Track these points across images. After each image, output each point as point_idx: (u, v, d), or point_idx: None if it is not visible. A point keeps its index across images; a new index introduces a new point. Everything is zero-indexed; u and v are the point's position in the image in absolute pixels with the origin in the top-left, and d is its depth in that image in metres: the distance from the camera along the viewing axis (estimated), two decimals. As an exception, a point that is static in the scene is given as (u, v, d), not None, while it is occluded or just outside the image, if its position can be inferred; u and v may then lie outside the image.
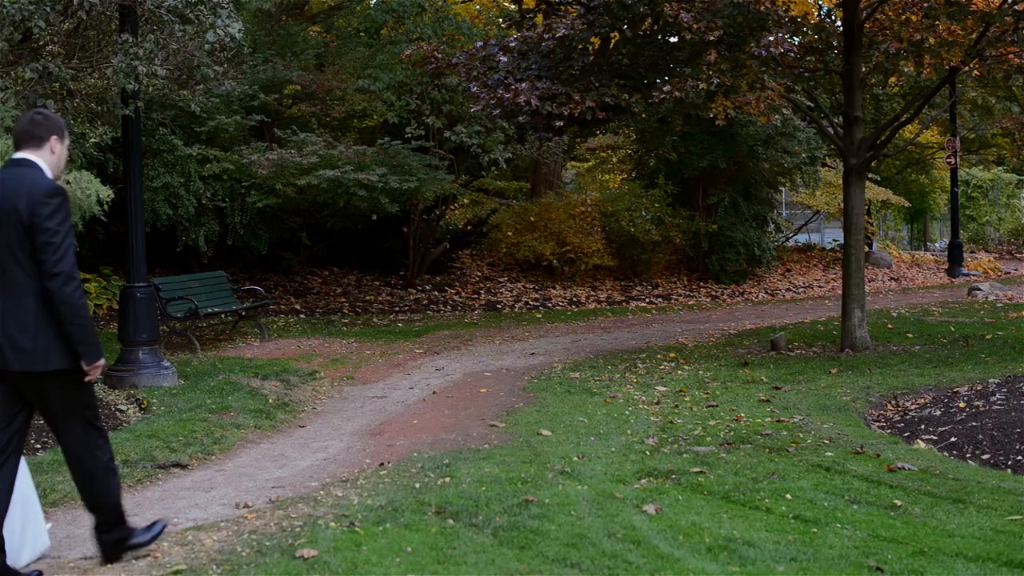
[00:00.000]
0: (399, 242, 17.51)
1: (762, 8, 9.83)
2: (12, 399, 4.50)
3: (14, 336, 4.36)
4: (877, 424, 7.87)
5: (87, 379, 4.47)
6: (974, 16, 10.48)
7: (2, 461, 4.46)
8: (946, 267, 22.56)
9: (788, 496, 5.52)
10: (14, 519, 4.52)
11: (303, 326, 13.71)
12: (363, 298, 16.35)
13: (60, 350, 4.40)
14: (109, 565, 4.67)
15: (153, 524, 4.86)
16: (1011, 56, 11.06)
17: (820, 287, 19.96)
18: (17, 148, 4.52)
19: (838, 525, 5.03)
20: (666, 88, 10.20)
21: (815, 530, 4.96)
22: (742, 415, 7.86)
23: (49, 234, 4.33)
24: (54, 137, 4.56)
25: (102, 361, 4.53)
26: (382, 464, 6.53)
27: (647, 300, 17.67)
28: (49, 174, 4.50)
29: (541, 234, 17.95)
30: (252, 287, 13.83)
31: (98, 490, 4.64)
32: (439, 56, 12.44)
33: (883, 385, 9.06)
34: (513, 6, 13.71)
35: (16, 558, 4.53)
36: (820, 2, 19.35)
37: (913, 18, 10.62)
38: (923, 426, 7.56)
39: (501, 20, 16.08)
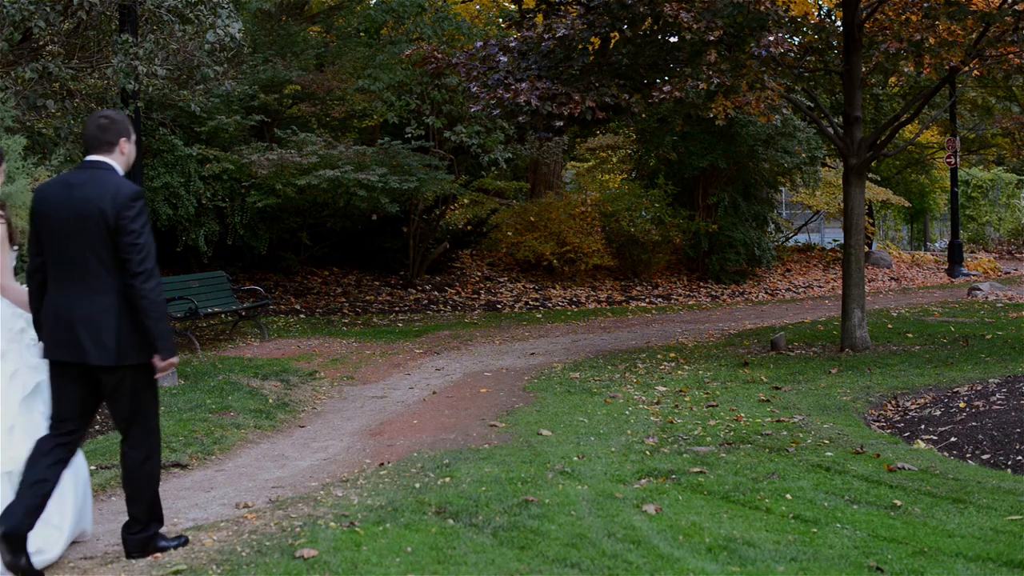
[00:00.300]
0: (399, 242, 17.51)
1: (762, 8, 9.83)
2: (89, 394, 4.69)
3: (96, 332, 4.55)
4: (877, 424, 7.87)
5: (158, 375, 4.70)
6: (974, 16, 10.48)
7: (64, 455, 4.64)
8: (946, 267, 22.57)
9: (788, 496, 5.52)
10: (66, 503, 4.79)
11: (303, 326, 13.71)
12: (363, 298, 16.35)
13: (137, 346, 4.60)
14: (119, 562, 4.67)
15: (179, 536, 4.98)
16: (1011, 56, 11.06)
17: (820, 287, 19.96)
18: (88, 152, 4.72)
19: (838, 525, 5.03)
20: (666, 88, 10.20)
21: (815, 530, 4.96)
22: (742, 415, 7.87)
23: (135, 235, 4.54)
24: (123, 139, 4.77)
25: (176, 359, 4.74)
26: (382, 464, 6.53)
27: (647, 300, 17.67)
28: (121, 173, 4.72)
29: (541, 234, 17.96)
30: (252, 287, 13.83)
31: (141, 486, 4.81)
32: (439, 56, 12.44)
33: (883, 385, 9.06)
34: (513, 6, 13.72)
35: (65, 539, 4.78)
36: (820, 2, 19.37)
37: (913, 18, 10.62)
38: (923, 426, 7.56)
39: (501, 20, 16.09)
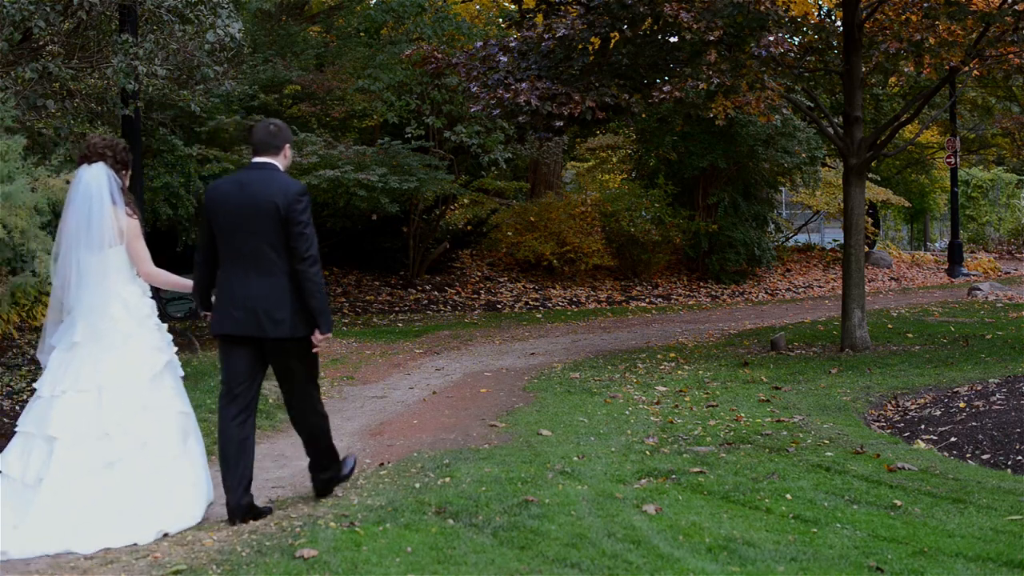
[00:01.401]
0: (399, 242, 17.51)
1: (762, 8, 9.83)
2: (257, 364, 5.41)
3: (271, 310, 5.27)
4: (877, 424, 7.87)
5: (316, 348, 5.41)
6: (974, 16, 10.48)
7: (246, 416, 5.39)
8: (946, 267, 22.57)
9: (788, 496, 5.52)
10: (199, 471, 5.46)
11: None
12: (363, 298, 16.35)
13: (303, 321, 5.32)
14: (119, 562, 4.67)
15: (346, 459, 5.83)
16: (1011, 56, 11.06)
17: (820, 287, 19.97)
18: (257, 154, 5.46)
19: (838, 525, 5.03)
20: (666, 88, 10.20)
21: (815, 530, 4.96)
22: (742, 415, 7.86)
23: (302, 226, 5.27)
24: (287, 144, 5.51)
25: (331, 333, 5.47)
26: (382, 464, 6.53)
27: (647, 300, 17.68)
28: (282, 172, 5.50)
29: (541, 234, 17.95)
30: (252, 287, 13.81)
31: (316, 439, 5.57)
32: (439, 56, 12.44)
33: (883, 385, 9.06)
34: (513, 6, 13.72)
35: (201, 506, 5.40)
36: (820, 2, 19.37)
37: (913, 18, 10.62)
38: (923, 426, 7.56)
39: (501, 20, 16.08)
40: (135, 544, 4.94)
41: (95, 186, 5.38)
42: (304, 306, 5.29)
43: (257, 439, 7.44)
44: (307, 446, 5.63)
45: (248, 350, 5.36)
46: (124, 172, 5.56)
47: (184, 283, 5.68)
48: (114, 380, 5.23)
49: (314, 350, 5.41)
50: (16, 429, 5.35)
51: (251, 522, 5.24)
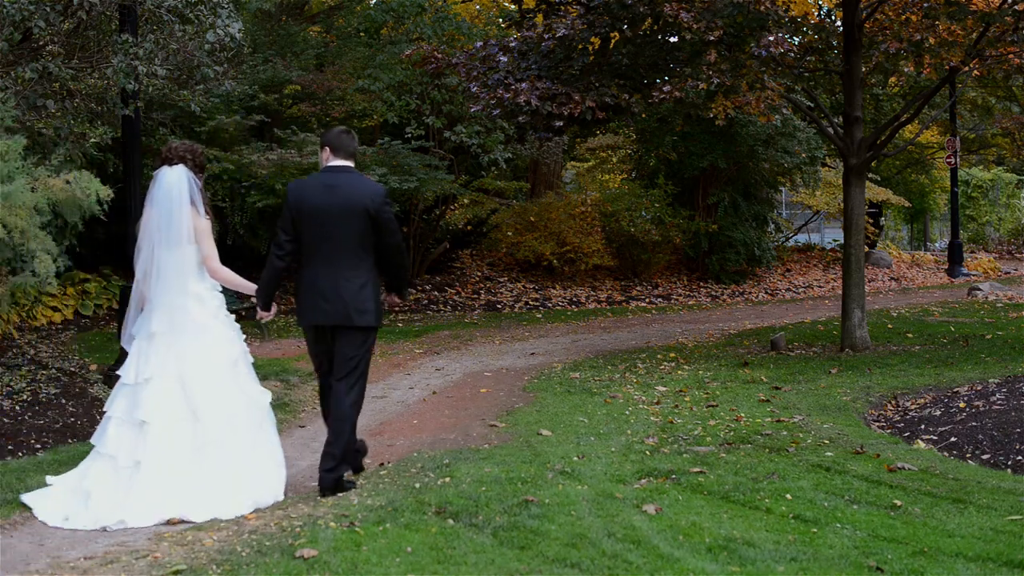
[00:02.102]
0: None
1: (762, 8, 9.83)
2: (330, 347, 5.92)
3: (357, 302, 5.79)
4: (877, 424, 7.87)
5: (396, 308, 6.29)
6: (974, 16, 10.48)
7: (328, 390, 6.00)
8: (946, 267, 22.57)
9: (788, 496, 5.52)
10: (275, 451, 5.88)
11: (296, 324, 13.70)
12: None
13: (377, 312, 5.90)
14: (119, 562, 4.68)
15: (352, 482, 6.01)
16: (1011, 56, 11.06)
17: (820, 287, 19.97)
18: (335, 156, 5.92)
19: (838, 525, 5.03)
20: (666, 88, 10.19)
21: (815, 530, 4.96)
22: (742, 415, 7.86)
23: (391, 225, 5.89)
24: (357, 149, 6.08)
25: (406, 300, 6.36)
26: (382, 464, 6.54)
27: (647, 300, 17.67)
28: None
29: (541, 234, 17.95)
30: (252, 287, 13.81)
31: (347, 431, 5.89)
32: (439, 56, 12.44)
33: (883, 385, 9.06)
34: (513, 6, 13.73)
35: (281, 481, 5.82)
36: (820, 2, 19.37)
37: (913, 18, 10.62)
38: (923, 426, 7.56)
39: (501, 20, 16.09)
40: (237, 516, 5.38)
41: (176, 187, 5.78)
42: (379, 299, 5.97)
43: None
44: (334, 421, 5.90)
45: (328, 336, 5.90)
46: (201, 175, 5.98)
47: (246, 284, 6.05)
48: (196, 367, 5.64)
49: (404, 308, 6.39)
50: (106, 413, 5.76)
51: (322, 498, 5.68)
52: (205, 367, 5.67)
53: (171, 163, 5.87)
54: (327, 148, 5.95)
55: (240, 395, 5.75)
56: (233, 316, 6.01)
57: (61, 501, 5.51)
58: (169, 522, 5.30)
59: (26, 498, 5.62)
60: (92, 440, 5.80)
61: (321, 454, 5.88)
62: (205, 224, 5.85)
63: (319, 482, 5.78)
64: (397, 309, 5.93)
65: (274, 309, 6.13)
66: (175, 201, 5.76)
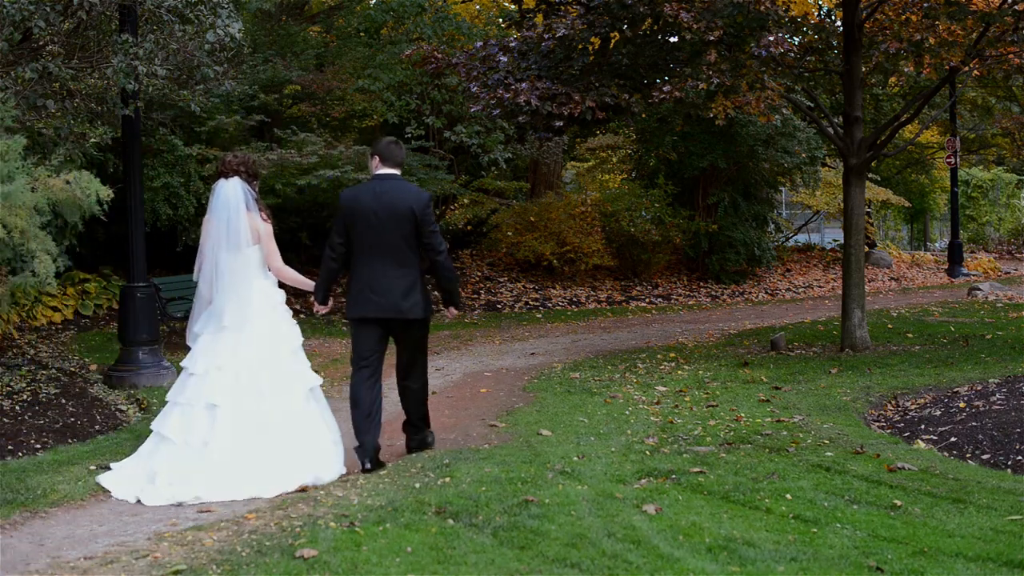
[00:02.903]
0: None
1: (762, 8, 9.82)
2: (383, 339, 6.50)
3: (407, 296, 6.37)
4: (877, 424, 7.87)
5: (450, 319, 7.19)
6: (974, 16, 10.47)
7: (375, 380, 6.49)
8: (946, 267, 22.57)
9: (788, 496, 5.52)
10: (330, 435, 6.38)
11: (303, 326, 13.58)
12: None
13: (426, 305, 6.51)
14: (118, 562, 4.68)
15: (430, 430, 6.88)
16: (1011, 56, 11.06)
17: (820, 287, 19.97)
18: (383, 165, 6.50)
19: (838, 525, 5.03)
20: (666, 88, 10.19)
21: (815, 530, 4.96)
22: (742, 415, 7.86)
23: (434, 227, 6.43)
24: (403, 160, 6.65)
25: (462, 311, 6.60)
26: (382, 464, 6.53)
27: (647, 300, 17.67)
28: None
29: (541, 234, 17.95)
30: (252, 287, 13.79)
31: (422, 405, 6.72)
32: (439, 56, 12.44)
33: (883, 385, 9.06)
34: (513, 6, 13.73)
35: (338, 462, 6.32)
36: (820, 2, 19.38)
37: (913, 18, 10.62)
38: (923, 426, 7.56)
39: (501, 20, 16.09)
40: (309, 485, 5.95)
41: (232, 197, 6.35)
42: (427, 292, 6.54)
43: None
44: (414, 409, 6.71)
45: (378, 328, 6.46)
46: (255, 183, 6.54)
47: (306, 281, 6.72)
48: (261, 356, 6.22)
49: (454, 319, 7.22)
50: (169, 400, 6.28)
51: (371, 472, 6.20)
52: (268, 356, 6.24)
53: (227, 176, 6.43)
54: (377, 157, 6.53)
55: (298, 381, 6.31)
56: (290, 312, 6.59)
57: (131, 482, 6.00)
58: (229, 503, 5.75)
59: (101, 479, 6.12)
60: (152, 425, 6.33)
61: (404, 423, 6.80)
62: (266, 227, 6.45)
63: (408, 444, 6.76)
64: (452, 319, 6.98)
65: (330, 304, 6.74)
66: (233, 210, 6.31)
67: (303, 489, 5.90)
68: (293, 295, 15.98)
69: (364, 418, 6.39)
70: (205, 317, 6.38)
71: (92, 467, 6.41)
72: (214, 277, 6.35)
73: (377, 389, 6.50)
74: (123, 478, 6.09)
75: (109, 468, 6.32)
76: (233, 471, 5.91)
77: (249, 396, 6.13)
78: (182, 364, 6.37)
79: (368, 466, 6.27)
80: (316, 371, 6.60)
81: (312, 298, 6.78)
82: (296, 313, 14.87)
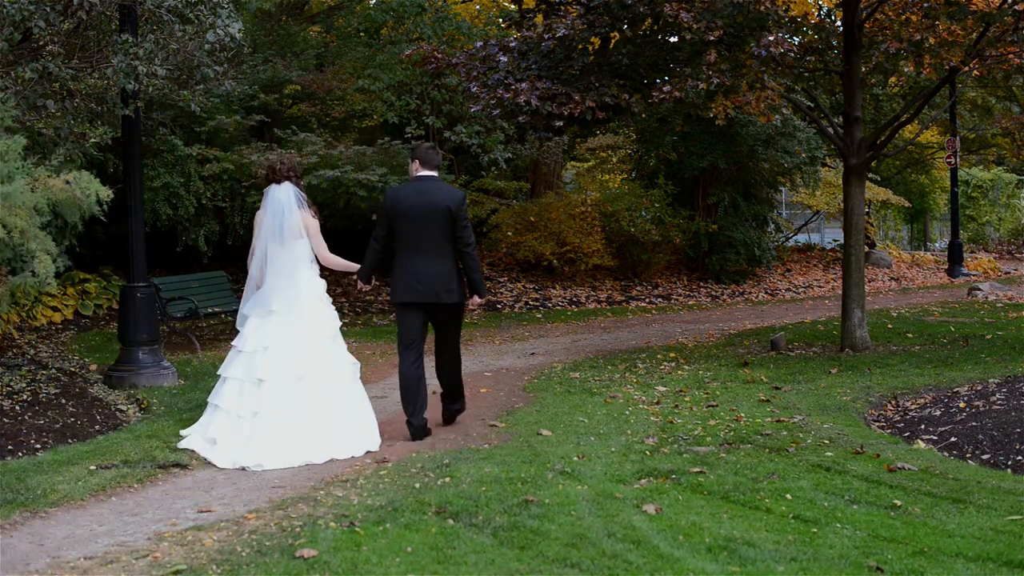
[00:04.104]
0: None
1: (762, 8, 9.82)
2: (425, 323, 7.33)
3: (445, 284, 7.17)
4: (877, 424, 7.87)
5: (473, 308, 7.74)
6: (974, 16, 10.47)
7: (419, 361, 7.26)
8: (946, 267, 22.56)
9: (788, 496, 5.53)
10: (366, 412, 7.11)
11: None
12: (363, 298, 16.34)
13: (461, 291, 7.32)
14: (118, 562, 4.68)
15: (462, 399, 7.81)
16: (1011, 56, 11.05)
17: (820, 287, 19.96)
18: (423, 167, 7.28)
19: (838, 525, 5.03)
20: (666, 88, 10.19)
21: (815, 530, 4.96)
22: (742, 415, 7.87)
23: (466, 222, 7.22)
24: (440, 163, 7.47)
25: (485, 298, 8.15)
26: (381, 463, 6.53)
27: (647, 300, 17.67)
28: None
29: (541, 234, 17.94)
30: (252, 287, 13.80)
31: (455, 378, 7.59)
32: (439, 56, 12.44)
33: (883, 385, 9.06)
34: (513, 6, 13.74)
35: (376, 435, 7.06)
36: (820, 2, 19.37)
37: (913, 18, 10.62)
38: (923, 426, 7.56)
39: (501, 20, 16.09)
40: (351, 456, 6.69)
41: (284, 198, 7.12)
42: (462, 280, 7.31)
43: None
44: (448, 382, 7.58)
45: (421, 312, 7.26)
46: (300, 183, 7.29)
47: (351, 266, 7.48)
48: (305, 338, 6.91)
49: (471, 309, 7.79)
50: (221, 375, 7.07)
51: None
52: (311, 338, 6.94)
53: (278, 181, 7.18)
54: (416, 161, 7.32)
55: (339, 360, 7.04)
56: (330, 299, 7.27)
57: (199, 446, 6.82)
58: (289, 469, 6.46)
59: (182, 444, 6.93)
60: (209, 399, 7.10)
61: (441, 395, 7.70)
62: (314, 222, 7.20)
63: (444, 416, 7.65)
64: (475, 308, 7.73)
65: (370, 285, 7.59)
66: (285, 210, 7.09)
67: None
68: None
69: (412, 394, 7.18)
70: (254, 300, 7.13)
71: (92, 467, 6.41)
72: (264, 266, 7.11)
73: (421, 369, 7.27)
74: (195, 443, 6.87)
75: (184, 432, 7.19)
76: (285, 440, 6.59)
77: (294, 373, 6.80)
78: (233, 343, 7.15)
79: (415, 436, 7.14)
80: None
81: (356, 280, 7.62)
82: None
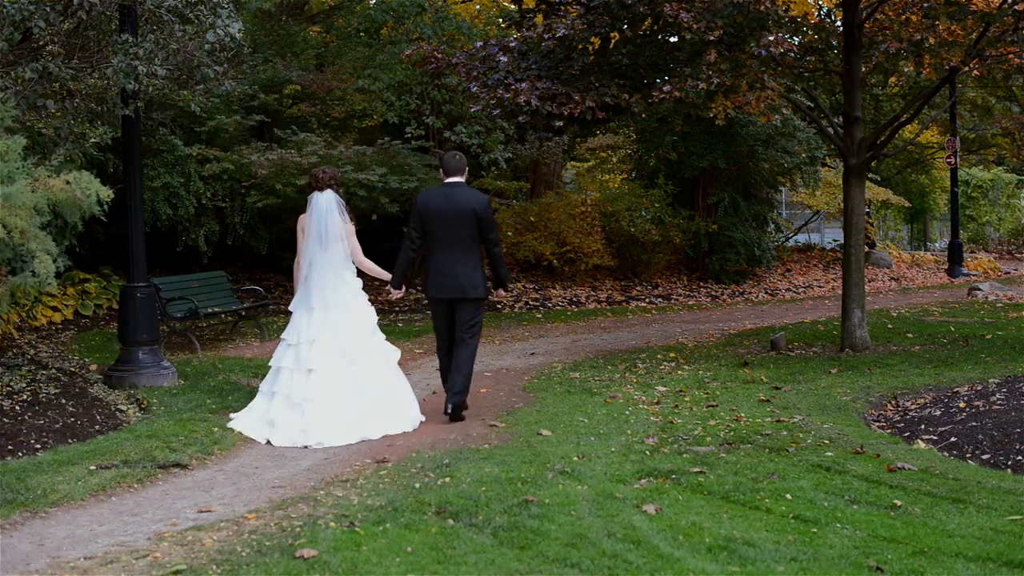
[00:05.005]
0: (399, 242, 17.45)
1: (762, 8, 9.82)
2: (449, 315, 8.00)
3: (471, 279, 7.88)
4: (877, 424, 7.87)
5: (498, 300, 8.81)
6: (974, 16, 10.47)
7: (450, 348, 8.04)
8: (946, 267, 22.56)
9: (788, 496, 5.53)
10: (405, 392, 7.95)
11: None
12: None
13: (484, 287, 8.01)
14: (118, 562, 4.68)
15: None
16: (1011, 56, 11.05)
17: (820, 287, 19.96)
18: (449, 175, 7.96)
19: (838, 525, 5.03)
20: (666, 88, 10.19)
21: (815, 530, 4.96)
22: (742, 415, 7.87)
23: (491, 223, 7.94)
24: (467, 168, 8.10)
25: (508, 291, 9.79)
26: (382, 464, 6.53)
27: (647, 300, 17.67)
28: None
29: (541, 234, 17.94)
30: (252, 287, 13.82)
31: (466, 372, 7.97)
32: (439, 56, 12.44)
33: (883, 385, 9.06)
34: (513, 6, 13.74)
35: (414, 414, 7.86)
36: (820, 2, 19.38)
37: (913, 18, 10.62)
38: (923, 426, 7.56)
39: (501, 20, 16.09)
40: (404, 431, 7.55)
41: (325, 205, 7.86)
42: (485, 276, 8.05)
43: (257, 440, 7.51)
44: (458, 378, 7.92)
45: (449, 305, 7.96)
46: (341, 189, 8.06)
47: (383, 272, 8.13)
48: (348, 330, 7.71)
49: (496, 299, 8.55)
50: (272, 366, 7.84)
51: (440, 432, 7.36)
52: (354, 330, 7.74)
53: (320, 189, 7.90)
54: (442, 169, 8.05)
55: (379, 350, 7.87)
56: (367, 296, 7.99)
57: (257, 428, 7.51)
58: (347, 446, 7.19)
59: (232, 424, 7.62)
60: (262, 387, 7.85)
61: (447, 393, 7.96)
62: (350, 227, 7.95)
63: (450, 410, 7.87)
64: (500, 301, 8.52)
65: (404, 290, 8.34)
66: (327, 216, 7.82)
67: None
68: (293, 294, 16.00)
69: (450, 378, 7.95)
70: (300, 298, 7.87)
71: (92, 467, 6.41)
72: (308, 267, 7.84)
73: (449, 355, 8.07)
74: (250, 425, 7.56)
75: (232, 415, 7.85)
76: (340, 421, 7.36)
77: (341, 362, 7.60)
78: (282, 336, 7.89)
79: (450, 413, 7.87)
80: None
81: (388, 286, 8.25)
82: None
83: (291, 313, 7.94)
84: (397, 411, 7.69)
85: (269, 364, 7.98)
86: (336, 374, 7.57)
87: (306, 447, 7.19)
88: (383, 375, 7.77)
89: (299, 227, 8.00)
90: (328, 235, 7.81)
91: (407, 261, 8.13)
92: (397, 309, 15.79)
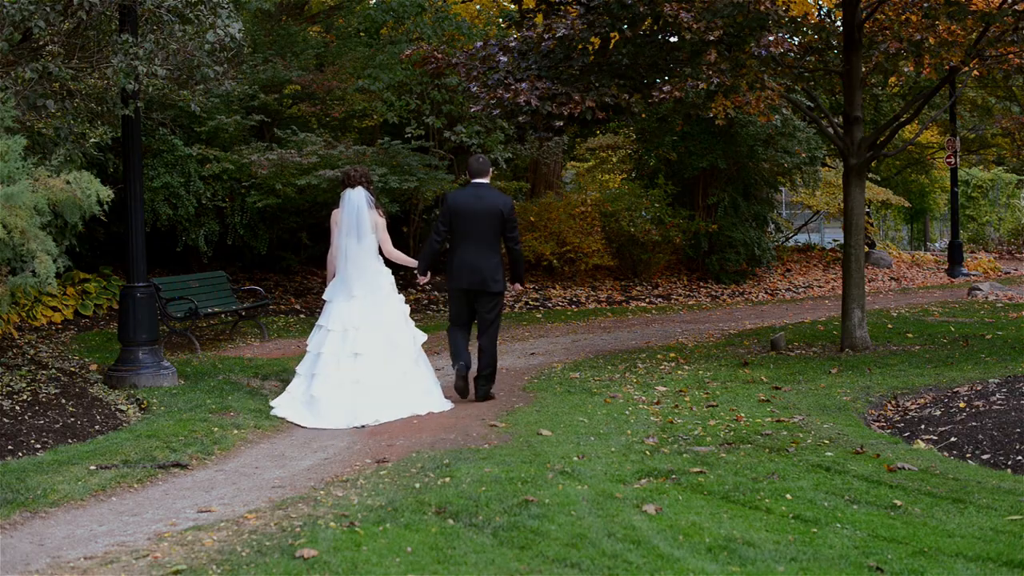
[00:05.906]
0: (399, 242, 17.45)
1: (762, 8, 9.82)
2: (471, 306, 8.68)
3: (493, 274, 8.54)
4: (877, 424, 7.87)
5: (518, 292, 9.19)
6: (974, 16, 10.47)
7: (466, 334, 8.75)
8: (946, 267, 22.56)
9: (788, 496, 5.53)
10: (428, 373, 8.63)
11: (303, 326, 13.71)
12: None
13: (504, 281, 8.70)
14: (118, 562, 4.68)
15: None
16: (1011, 56, 11.05)
17: (820, 287, 19.96)
18: (475, 177, 8.66)
19: (838, 525, 5.03)
20: (666, 88, 10.19)
21: (815, 530, 4.96)
22: (742, 415, 7.87)
23: (514, 223, 8.66)
24: (491, 170, 8.81)
25: (523, 286, 10.15)
26: (382, 464, 6.53)
27: (647, 300, 17.67)
28: None
29: (541, 234, 17.95)
30: (252, 287, 13.82)
31: (492, 362, 8.70)
32: (439, 56, 12.43)
33: (883, 385, 9.06)
34: (513, 6, 13.73)
35: (438, 395, 8.53)
36: (820, 2, 19.38)
37: (913, 18, 10.62)
38: (923, 426, 7.56)
39: (501, 20, 16.09)
40: (442, 411, 8.28)
41: (357, 201, 8.47)
42: (504, 271, 8.70)
43: (257, 439, 7.54)
44: (483, 362, 8.64)
45: (469, 297, 8.62)
46: (371, 186, 8.65)
47: (410, 260, 8.85)
48: (386, 318, 8.38)
49: (515, 291, 9.22)
50: (311, 351, 8.39)
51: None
52: (392, 317, 8.41)
53: (352, 186, 8.51)
54: (469, 172, 8.70)
55: (413, 336, 8.54)
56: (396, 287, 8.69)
57: (298, 415, 8.05)
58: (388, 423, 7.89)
59: (275, 412, 8.16)
60: (299, 369, 8.43)
61: (475, 377, 8.71)
62: (382, 220, 8.56)
63: (476, 394, 8.67)
64: (517, 292, 9.13)
65: (428, 277, 8.91)
66: (359, 211, 8.43)
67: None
68: (294, 294, 16.02)
69: (459, 348, 8.60)
70: (334, 287, 8.47)
71: (92, 467, 6.41)
72: (342, 258, 8.43)
73: (466, 341, 8.69)
74: (291, 405, 8.15)
75: (272, 403, 8.42)
76: (390, 400, 8.03)
77: (382, 347, 8.24)
78: (319, 322, 8.45)
79: (462, 369, 8.57)
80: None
81: (416, 272, 8.86)
82: (295, 312, 14.90)
83: (301, 310, 8.07)
84: (435, 392, 8.42)
85: (307, 349, 8.47)
86: (383, 357, 8.21)
87: (363, 426, 7.79)
88: (419, 361, 8.48)
89: (332, 221, 8.56)
90: (362, 228, 8.41)
91: (433, 251, 8.78)
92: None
